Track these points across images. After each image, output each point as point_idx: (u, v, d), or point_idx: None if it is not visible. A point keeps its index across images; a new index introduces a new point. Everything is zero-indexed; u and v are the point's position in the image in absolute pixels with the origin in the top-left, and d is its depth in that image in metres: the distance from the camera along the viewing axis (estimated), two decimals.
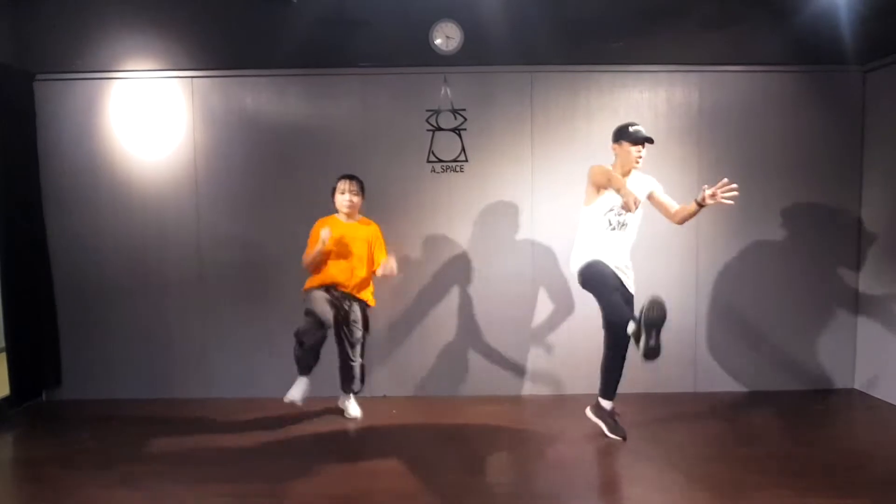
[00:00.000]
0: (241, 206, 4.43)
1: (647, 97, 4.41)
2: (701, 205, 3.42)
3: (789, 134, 4.44)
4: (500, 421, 3.97)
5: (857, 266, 4.49)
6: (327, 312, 3.63)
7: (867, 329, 4.43)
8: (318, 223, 3.83)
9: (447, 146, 4.40)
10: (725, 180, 3.36)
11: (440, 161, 4.41)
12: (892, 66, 4.20)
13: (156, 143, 4.40)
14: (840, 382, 4.53)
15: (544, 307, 4.46)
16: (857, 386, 4.51)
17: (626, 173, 3.54)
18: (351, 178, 3.87)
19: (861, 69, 4.40)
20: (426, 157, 4.40)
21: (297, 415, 4.01)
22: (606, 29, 4.37)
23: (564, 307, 4.43)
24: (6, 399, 4.22)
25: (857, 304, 4.50)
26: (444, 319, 4.48)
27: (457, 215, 4.44)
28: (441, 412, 4.14)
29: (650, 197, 3.69)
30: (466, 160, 4.41)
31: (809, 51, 4.39)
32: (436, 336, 4.48)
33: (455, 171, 4.42)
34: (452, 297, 4.47)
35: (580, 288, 3.62)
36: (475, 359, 4.50)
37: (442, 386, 4.50)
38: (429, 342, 4.48)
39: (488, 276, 4.46)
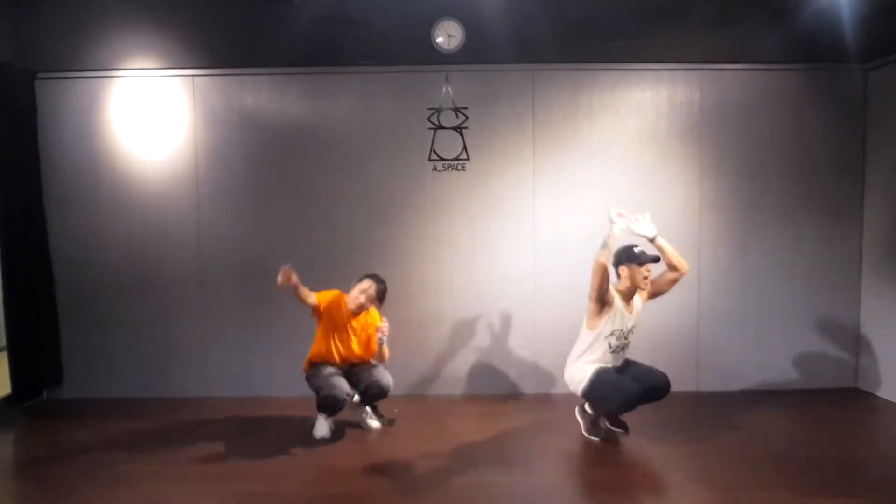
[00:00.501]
0: (242, 205, 4.42)
1: (649, 96, 4.41)
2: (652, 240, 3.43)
3: (791, 133, 4.43)
4: (502, 420, 3.96)
5: (859, 265, 4.48)
6: (341, 386, 3.52)
7: (870, 328, 4.42)
8: (334, 295, 3.65)
9: (449, 145, 4.40)
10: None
11: (442, 159, 4.40)
12: (893, 65, 4.20)
13: (156, 142, 4.40)
14: (842, 382, 4.52)
15: (545, 306, 4.45)
16: (859, 385, 4.51)
17: (631, 293, 3.46)
18: (381, 286, 3.71)
19: (862, 68, 4.40)
20: (428, 156, 4.40)
21: (296, 414, 4.00)
22: (608, 28, 4.37)
23: (566, 306, 4.41)
24: (7, 398, 4.21)
25: (859, 302, 4.49)
26: (445, 319, 4.47)
27: (458, 214, 4.43)
28: (442, 412, 4.13)
29: (654, 283, 3.54)
30: (468, 159, 4.41)
31: (811, 49, 4.38)
32: (437, 335, 4.48)
33: (457, 169, 4.41)
34: (453, 297, 4.46)
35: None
36: (477, 358, 4.49)
37: (443, 385, 4.49)
38: (430, 342, 4.47)
39: (490, 274, 4.45)
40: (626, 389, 3.31)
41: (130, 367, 4.47)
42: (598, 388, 3.40)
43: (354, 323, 3.69)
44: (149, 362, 4.48)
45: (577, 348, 3.54)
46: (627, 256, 3.41)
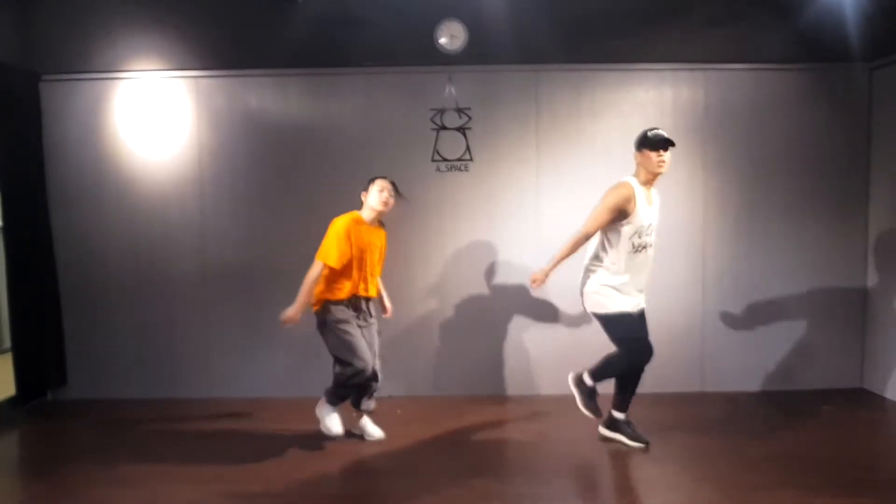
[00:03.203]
0: (246, 206, 4.42)
1: (653, 96, 4.40)
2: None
3: (795, 132, 4.41)
4: (506, 421, 3.95)
5: (864, 264, 4.46)
6: (364, 350, 3.41)
7: (876, 328, 4.40)
8: (340, 222, 3.42)
9: (452, 145, 4.39)
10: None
11: (445, 160, 4.40)
12: None
13: (160, 143, 4.41)
14: (848, 382, 4.50)
15: (549, 306, 4.44)
16: (865, 385, 4.48)
17: (648, 181, 3.30)
18: (392, 181, 3.57)
19: (867, 66, 4.38)
20: (431, 157, 4.40)
21: (299, 415, 4.00)
22: (611, 28, 4.36)
23: (569, 306, 4.41)
24: (12, 398, 4.22)
25: (865, 302, 4.47)
26: (449, 319, 4.47)
27: (461, 214, 4.43)
28: (445, 412, 4.12)
29: None
30: (471, 159, 4.40)
31: (815, 48, 4.37)
32: (441, 336, 4.47)
33: (460, 170, 4.41)
34: (457, 297, 4.46)
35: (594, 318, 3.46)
36: (480, 358, 4.48)
37: (446, 386, 4.48)
38: (434, 342, 4.46)
39: (493, 275, 4.45)
40: (645, 347, 3.31)
41: (134, 368, 4.48)
42: (620, 324, 3.30)
43: (370, 236, 3.52)
44: (152, 363, 4.48)
45: (593, 257, 3.38)
46: (641, 141, 3.26)
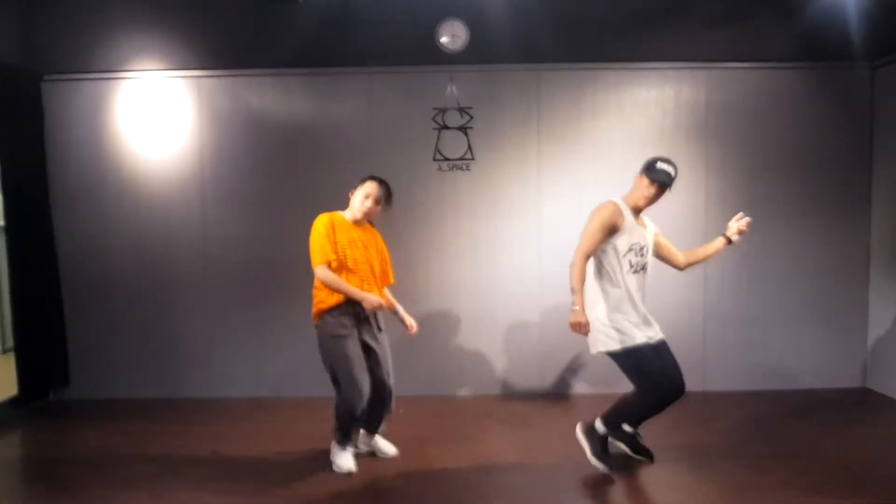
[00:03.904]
0: (247, 206, 4.43)
1: (654, 95, 4.39)
2: (731, 240, 3.17)
3: (797, 131, 4.41)
4: (508, 420, 3.95)
5: (867, 263, 4.46)
6: (356, 371, 3.02)
7: (878, 327, 4.39)
8: (318, 221, 3.13)
9: (453, 145, 4.39)
10: (740, 214, 3.20)
11: (447, 159, 4.40)
12: None
13: (162, 142, 4.41)
14: (851, 381, 4.49)
15: (551, 305, 4.44)
16: (868, 385, 4.47)
17: (637, 208, 3.09)
18: (385, 187, 3.21)
19: (869, 65, 4.37)
20: (432, 156, 4.40)
21: (302, 414, 4.00)
22: (613, 27, 4.36)
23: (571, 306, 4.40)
24: (14, 399, 4.22)
25: (867, 301, 4.46)
26: (449, 319, 4.46)
27: (463, 214, 4.43)
28: (445, 412, 4.12)
29: (656, 240, 3.24)
30: (473, 158, 4.40)
31: (817, 47, 4.36)
32: (442, 335, 4.47)
33: (461, 169, 4.41)
34: (459, 297, 4.46)
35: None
36: (482, 358, 4.48)
37: (448, 385, 4.48)
38: (436, 341, 4.46)
39: (495, 274, 4.45)
40: (670, 384, 2.95)
41: (136, 368, 4.48)
42: (636, 358, 2.95)
43: (358, 234, 3.18)
44: (155, 363, 4.48)
45: (592, 286, 3.11)
46: (647, 166, 3.05)
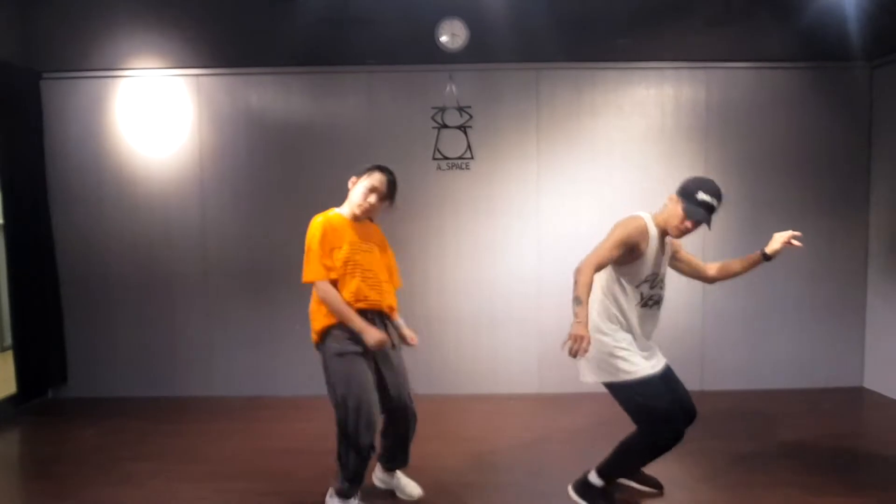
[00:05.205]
0: (246, 204, 4.42)
1: (654, 94, 4.39)
2: (769, 257, 2.85)
3: (797, 130, 4.41)
4: (507, 419, 3.95)
5: (865, 263, 4.46)
6: (366, 396, 2.54)
7: (876, 326, 4.40)
8: (317, 225, 2.69)
9: (453, 144, 4.39)
10: (791, 232, 2.92)
11: (446, 158, 4.40)
12: None
13: (161, 141, 4.40)
14: (848, 381, 4.50)
15: (550, 304, 4.44)
16: (866, 384, 4.48)
17: (663, 230, 2.69)
18: (393, 181, 2.78)
19: (869, 65, 4.38)
20: (432, 155, 4.40)
21: (301, 413, 4.00)
22: (613, 26, 4.36)
23: (570, 304, 4.40)
24: (12, 396, 4.22)
25: (865, 301, 4.46)
26: (449, 317, 4.46)
27: (462, 213, 4.43)
28: (447, 410, 4.12)
29: (676, 254, 2.87)
30: (472, 157, 4.40)
31: (817, 47, 4.36)
32: (441, 334, 4.47)
33: (461, 168, 4.41)
34: (458, 295, 4.45)
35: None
36: (481, 357, 4.49)
37: (447, 384, 4.48)
38: (434, 340, 4.46)
39: (494, 273, 4.45)
40: (677, 416, 2.65)
41: (135, 366, 4.48)
42: (638, 389, 2.61)
43: (359, 234, 2.73)
44: (154, 361, 4.48)
45: (597, 306, 2.74)
46: (686, 192, 2.61)
